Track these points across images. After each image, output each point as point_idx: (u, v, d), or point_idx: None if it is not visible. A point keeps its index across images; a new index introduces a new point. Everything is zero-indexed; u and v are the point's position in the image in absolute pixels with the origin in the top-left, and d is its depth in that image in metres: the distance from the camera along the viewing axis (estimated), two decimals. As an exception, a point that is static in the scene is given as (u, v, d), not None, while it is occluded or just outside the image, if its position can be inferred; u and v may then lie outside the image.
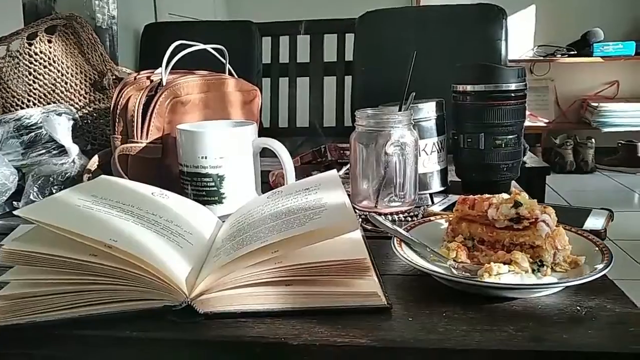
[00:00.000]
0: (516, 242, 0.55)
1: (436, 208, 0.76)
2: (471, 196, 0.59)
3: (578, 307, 0.48)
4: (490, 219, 0.57)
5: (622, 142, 3.45)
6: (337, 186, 0.60)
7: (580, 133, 3.54)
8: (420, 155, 0.86)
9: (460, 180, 0.91)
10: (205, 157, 0.73)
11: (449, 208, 0.75)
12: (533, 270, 0.53)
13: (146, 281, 0.47)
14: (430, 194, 0.87)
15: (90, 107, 1.00)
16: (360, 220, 0.72)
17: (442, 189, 0.89)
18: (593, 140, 3.45)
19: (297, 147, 2.09)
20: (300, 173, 0.99)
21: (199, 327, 0.47)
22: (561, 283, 0.49)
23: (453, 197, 0.81)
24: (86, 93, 1.00)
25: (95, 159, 0.84)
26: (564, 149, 3.42)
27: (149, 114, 0.80)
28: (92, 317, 0.47)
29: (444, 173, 0.89)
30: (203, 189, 0.74)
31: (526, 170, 1.60)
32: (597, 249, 0.56)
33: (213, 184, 0.74)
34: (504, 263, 0.54)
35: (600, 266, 0.51)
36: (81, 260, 0.47)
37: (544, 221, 0.54)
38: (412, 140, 0.76)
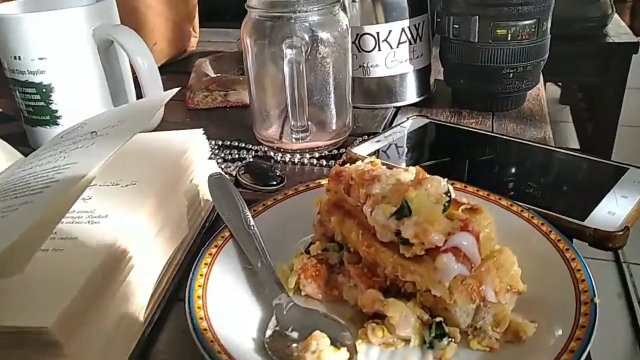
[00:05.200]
0: (404, 278, 0.28)
1: (366, 148, 0.47)
2: (350, 167, 0.32)
3: None
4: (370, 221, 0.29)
5: None
6: (126, 132, 0.34)
7: None
8: (380, 50, 0.56)
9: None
10: (19, 58, 0.49)
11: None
12: (424, 343, 0.27)
13: None
14: (397, 109, 0.58)
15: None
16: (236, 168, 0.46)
17: (420, 98, 0.59)
18: None
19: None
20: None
21: None
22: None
23: (418, 121, 0.52)
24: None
25: None
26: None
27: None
28: None
29: (422, 75, 0.59)
30: (30, 104, 0.51)
31: (605, 47, 1.19)
32: (572, 293, 0.28)
33: (39, 97, 0.50)
34: (371, 318, 0.28)
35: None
36: None
37: (455, 249, 0.26)
38: (337, 35, 0.46)
